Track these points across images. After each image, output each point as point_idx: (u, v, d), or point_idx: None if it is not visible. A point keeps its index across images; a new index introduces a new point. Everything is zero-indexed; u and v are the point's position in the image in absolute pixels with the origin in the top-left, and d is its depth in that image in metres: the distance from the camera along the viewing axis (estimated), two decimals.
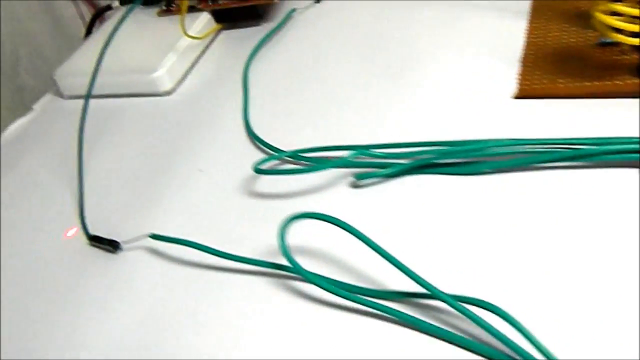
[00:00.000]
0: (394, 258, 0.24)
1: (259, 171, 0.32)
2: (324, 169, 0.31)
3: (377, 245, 0.24)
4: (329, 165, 0.31)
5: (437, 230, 0.27)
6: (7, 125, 0.44)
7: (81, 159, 0.35)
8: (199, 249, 0.28)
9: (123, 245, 0.31)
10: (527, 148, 0.28)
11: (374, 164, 0.30)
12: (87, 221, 0.32)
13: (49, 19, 0.76)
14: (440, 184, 0.29)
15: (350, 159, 0.30)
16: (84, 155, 0.36)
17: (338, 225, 0.25)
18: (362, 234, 0.25)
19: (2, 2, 0.65)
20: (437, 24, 0.39)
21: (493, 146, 0.29)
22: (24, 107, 0.46)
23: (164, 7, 0.47)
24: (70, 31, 0.81)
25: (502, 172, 0.28)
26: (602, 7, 0.30)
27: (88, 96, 0.37)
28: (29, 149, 0.41)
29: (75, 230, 0.33)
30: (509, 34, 0.36)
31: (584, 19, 0.34)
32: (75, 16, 0.82)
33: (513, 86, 0.32)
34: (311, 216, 0.26)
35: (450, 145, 0.30)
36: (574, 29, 0.34)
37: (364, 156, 0.31)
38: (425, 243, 0.26)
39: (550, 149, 0.28)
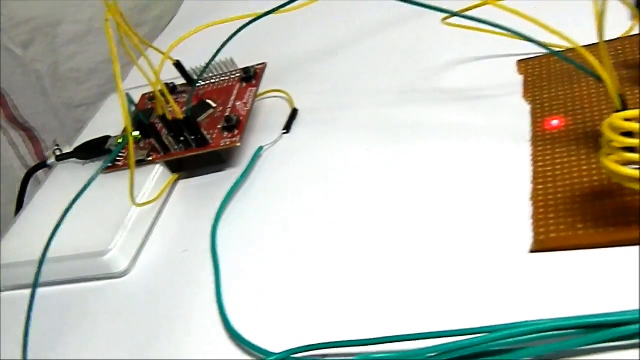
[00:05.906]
0: None
1: None
2: None
3: None
4: None
5: None
6: None
7: None
8: None
9: None
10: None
11: None
12: None
13: None
14: None
15: None
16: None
17: None
18: None
19: None
20: (432, 160, 0.33)
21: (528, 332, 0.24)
22: None
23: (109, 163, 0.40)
24: None
25: None
26: (612, 124, 0.24)
27: (35, 287, 0.31)
28: None
29: None
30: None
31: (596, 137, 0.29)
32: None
33: (528, 236, 0.27)
34: None
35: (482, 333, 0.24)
36: (583, 151, 0.30)
37: None
38: None
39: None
